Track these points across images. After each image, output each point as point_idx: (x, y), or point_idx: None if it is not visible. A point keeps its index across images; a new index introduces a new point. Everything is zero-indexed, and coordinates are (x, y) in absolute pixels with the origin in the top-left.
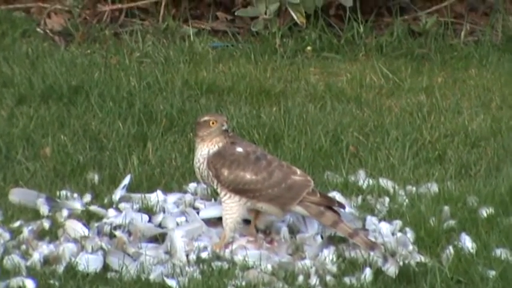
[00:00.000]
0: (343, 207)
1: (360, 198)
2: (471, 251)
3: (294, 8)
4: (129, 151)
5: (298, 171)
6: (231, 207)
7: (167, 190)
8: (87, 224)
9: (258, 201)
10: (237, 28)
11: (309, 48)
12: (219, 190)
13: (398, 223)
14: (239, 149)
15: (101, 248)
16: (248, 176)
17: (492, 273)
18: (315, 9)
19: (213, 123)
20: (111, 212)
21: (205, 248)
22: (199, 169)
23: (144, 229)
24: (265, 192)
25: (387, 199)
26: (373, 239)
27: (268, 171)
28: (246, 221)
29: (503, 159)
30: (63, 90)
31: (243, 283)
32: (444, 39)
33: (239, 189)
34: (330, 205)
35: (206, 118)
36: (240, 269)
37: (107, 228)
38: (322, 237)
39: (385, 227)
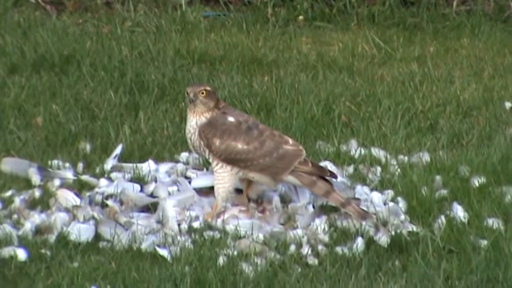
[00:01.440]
0: (335, 176)
1: (351, 168)
2: (463, 220)
3: None
4: (121, 120)
5: (290, 141)
6: (223, 177)
7: (159, 159)
8: (78, 194)
9: (250, 171)
10: None
11: (300, 17)
12: (210, 160)
13: (390, 193)
14: (230, 119)
15: (93, 218)
16: (240, 145)
17: (484, 242)
18: None
19: (187, 94)
20: (103, 181)
21: (197, 217)
22: (190, 139)
23: (136, 198)
24: (257, 162)
25: (379, 169)
26: (365, 209)
27: (260, 140)
28: (238, 191)
29: (495, 129)
30: (54, 59)
31: (235, 252)
32: (436, 8)
33: (231, 159)
34: (322, 175)
35: (186, 89)
36: (231, 238)
37: (98, 198)
38: (313, 207)
39: (376, 197)
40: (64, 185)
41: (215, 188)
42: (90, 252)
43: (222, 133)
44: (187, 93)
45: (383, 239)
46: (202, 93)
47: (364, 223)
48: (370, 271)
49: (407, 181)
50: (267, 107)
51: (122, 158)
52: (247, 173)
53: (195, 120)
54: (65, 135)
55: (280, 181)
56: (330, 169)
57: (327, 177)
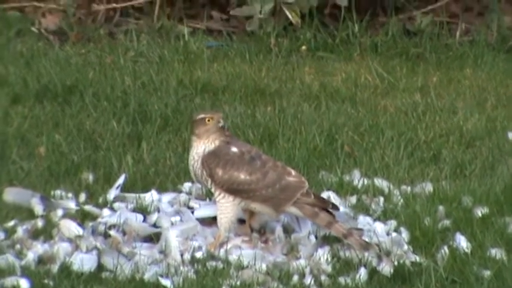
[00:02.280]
0: (337, 208)
1: (354, 198)
2: (466, 250)
3: (289, 8)
4: (124, 150)
5: (293, 172)
6: (226, 207)
7: (162, 190)
8: (81, 224)
9: (252, 202)
10: (231, 28)
11: (303, 47)
12: (213, 190)
13: (393, 223)
14: (234, 149)
15: (96, 248)
16: (242, 176)
17: (487, 273)
18: (310, 8)
19: (209, 120)
20: (106, 211)
21: (199, 247)
22: (193, 167)
23: (139, 229)
24: (259, 193)
25: (382, 199)
26: (367, 239)
27: (263, 171)
28: (241, 221)
29: (498, 159)
30: (57, 89)
31: (238, 283)
32: (439, 38)
33: (233, 189)
34: (324, 207)
35: (202, 115)
36: (234, 268)
37: (101, 228)
38: (316, 237)
39: (379, 227)
40: (67, 215)
41: (218, 219)
42: (92, 282)
43: (225, 163)
44: (220, 121)
45: (386, 268)
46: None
47: (366, 254)
48: None
49: (410, 211)
50: (270, 137)
51: (125, 188)
52: (250, 203)
53: (203, 147)
54: (67, 165)
55: (282, 212)
56: (333, 200)
57: (329, 209)
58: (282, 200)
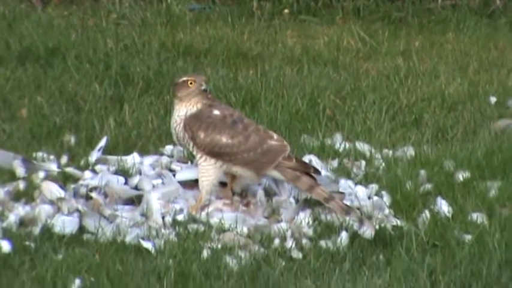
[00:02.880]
0: (319, 172)
1: (336, 162)
2: (447, 215)
3: None
4: (106, 113)
5: (275, 136)
6: (207, 170)
7: (143, 152)
8: (63, 186)
9: (234, 165)
10: None
11: (286, 11)
12: (194, 152)
13: (374, 187)
14: (216, 112)
15: (77, 210)
16: (224, 139)
17: (468, 237)
18: None
19: (191, 83)
20: (88, 173)
21: (181, 210)
22: (175, 130)
23: (120, 191)
24: (241, 156)
25: (363, 163)
26: (349, 203)
27: (245, 135)
28: (223, 184)
29: (479, 124)
30: (40, 51)
31: (219, 245)
32: (422, 3)
33: (215, 152)
34: (306, 171)
35: (184, 78)
36: (216, 231)
37: (83, 190)
38: (297, 201)
39: (361, 191)
40: (48, 177)
41: (199, 181)
42: (74, 244)
43: (207, 126)
44: (202, 84)
45: (367, 232)
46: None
47: (347, 218)
48: (354, 265)
49: (391, 175)
50: (252, 100)
51: (107, 150)
52: (231, 166)
53: (185, 110)
54: (49, 127)
55: (263, 176)
56: (314, 164)
57: (311, 173)
58: (263, 163)
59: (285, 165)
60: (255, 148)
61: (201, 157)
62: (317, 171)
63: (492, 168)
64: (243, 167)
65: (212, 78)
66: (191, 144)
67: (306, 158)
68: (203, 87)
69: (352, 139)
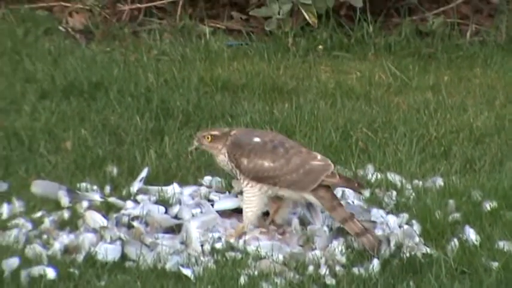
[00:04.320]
0: (363, 186)
1: (368, 192)
2: (475, 243)
3: (306, 9)
4: (147, 145)
5: (319, 156)
6: (252, 201)
7: (183, 183)
8: (106, 215)
9: (279, 188)
10: (251, 27)
11: (320, 47)
12: (241, 180)
13: (405, 216)
14: (256, 139)
15: (119, 238)
16: (266, 163)
17: (495, 264)
18: (326, 9)
19: (207, 138)
20: (129, 203)
21: (219, 238)
22: (224, 168)
23: (161, 220)
24: (284, 178)
25: (394, 193)
26: (380, 232)
27: (286, 158)
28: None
29: (506, 155)
30: (83, 86)
31: (256, 272)
32: (450, 39)
33: (259, 177)
34: (350, 186)
35: (198, 139)
36: (252, 259)
37: (125, 219)
38: (331, 229)
39: (392, 220)
40: (92, 206)
41: (243, 211)
42: (116, 271)
43: (249, 152)
44: (203, 138)
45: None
46: (208, 138)
47: (375, 255)
48: None
49: (421, 205)
50: (287, 133)
51: (148, 181)
52: (277, 190)
53: (219, 156)
54: (93, 158)
55: (307, 195)
56: (348, 195)
57: (356, 189)
58: (307, 182)
59: (328, 182)
60: (297, 169)
61: (247, 184)
62: (361, 185)
63: None
64: (287, 189)
65: (249, 112)
66: (238, 172)
67: (339, 189)
68: (195, 144)
69: (384, 170)
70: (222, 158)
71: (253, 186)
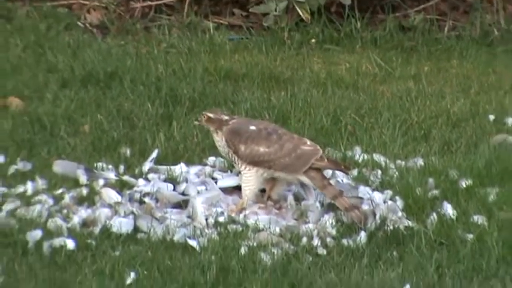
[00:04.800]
0: (349, 168)
1: (356, 171)
2: (452, 217)
3: (300, 6)
4: (157, 129)
5: (308, 142)
6: (249, 180)
7: (189, 163)
8: (120, 192)
9: (274, 171)
10: (250, 23)
11: (313, 40)
12: (239, 164)
13: (389, 192)
14: (252, 127)
15: (132, 213)
16: (261, 149)
17: (470, 236)
18: (318, 6)
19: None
20: (141, 181)
21: (222, 213)
22: (222, 152)
23: (169, 196)
24: (278, 162)
25: (379, 172)
26: (366, 207)
27: (279, 143)
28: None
29: (480, 138)
30: (100, 75)
31: (255, 243)
32: (430, 33)
33: (255, 161)
34: (337, 168)
35: (209, 115)
36: (252, 231)
37: (137, 196)
38: (322, 205)
39: (377, 196)
40: (107, 184)
41: (242, 189)
42: (129, 242)
43: (246, 139)
44: (203, 117)
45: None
46: (204, 117)
47: (362, 227)
48: (371, 260)
49: (404, 183)
50: (283, 118)
51: (158, 161)
52: (272, 172)
53: (218, 138)
54: (108, 141)
55: (300, 176)
56: (338, 174)
57: (342, 170)
58: (298, 165)
59: (318, 165)
60: (290, 153)
61: (244, 167)
62: (347, 167)
63: (491, 177)
64: (281, 171)
65: (249, 99)
66: (236, 157)
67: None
68: (212, 115)
69: (370, 151)
70: (217, 139)
71: (250, 169)
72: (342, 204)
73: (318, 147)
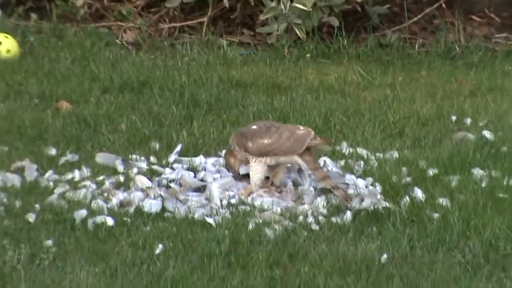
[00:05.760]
0: (333, 143)
1: (343, 162)
2: (421, 199)
3: (298, 27)
4: (180, 127)
5: (301, 127)
6: (257, 169)
7: (207, 155)
8: (150, 178)
9: (279, 156)
10: (257, 41)
11: (308, 55)
12: (250, 158)
13: (370, 179)
14: (253, 127)
15: (160, 196)
16: (266, 141)
17: (436, 215)
18: (312, 27)
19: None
20: (168, 170)
21: (234, 196)
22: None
23: (191, 182)
24: (280, 148)
25: (362, 162)
26: (351, 191)
27: (278, 133)
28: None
29: (444, 135)
30: (134, 84)
31: (260, 221)
32: (404, 49)
33: (262, 153)
34: (327, 142)
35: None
36: (258, 211)
37: (164, 182)
38: (315, 189)
39: (360, 182)
40: (140, 172)
41: (251, 177)
42: (158, 220)
43: (251, 137)
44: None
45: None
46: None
47: (347, 205)
48: (355, 235)
49: (382, 171)
50: (284, 118)
51: (181, 153)
52: (278, 158)
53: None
54: (141, 137)
55: (297, 158)
56: (328, 163)
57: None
58: (298, 146)
59: (313, 144)
60: (289, 139)
61: (254, 160)
62: (328, 140)
63: (453, 167)
64: (285, 155)
65: (255, 103)
66: (247, 154)
67: (322, 160)
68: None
69: (354, 146)
70: (241, 158)
71: (260, 160)
72: (329, 184)
73: (310, 129)
